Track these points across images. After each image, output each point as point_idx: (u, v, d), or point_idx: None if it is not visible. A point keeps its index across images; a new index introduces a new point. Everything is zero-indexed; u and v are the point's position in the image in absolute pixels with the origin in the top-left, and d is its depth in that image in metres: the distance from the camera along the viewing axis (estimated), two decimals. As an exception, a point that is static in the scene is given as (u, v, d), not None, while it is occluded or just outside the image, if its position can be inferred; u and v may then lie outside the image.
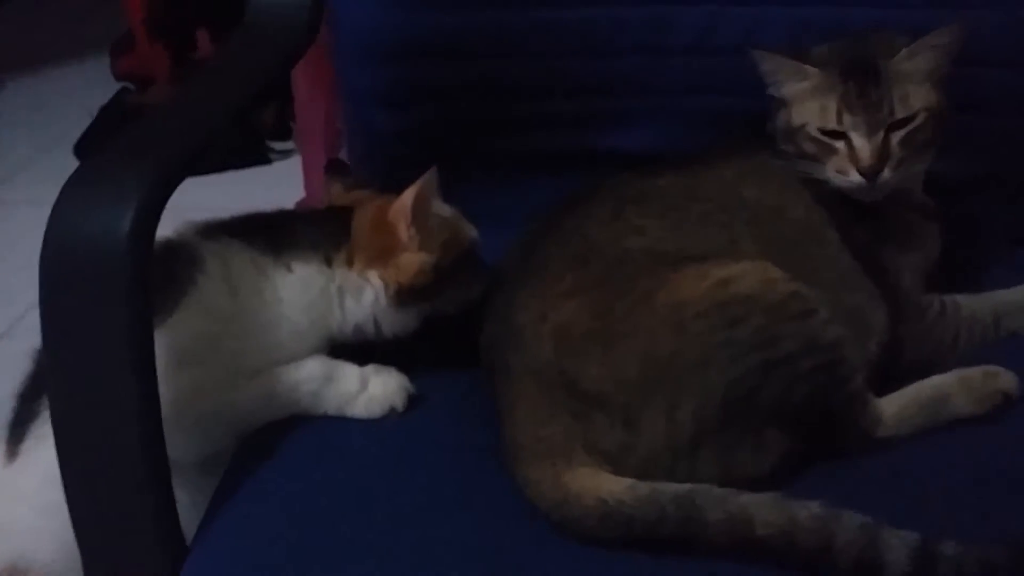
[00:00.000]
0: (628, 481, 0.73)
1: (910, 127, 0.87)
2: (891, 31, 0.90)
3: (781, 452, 0.77)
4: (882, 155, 0.86)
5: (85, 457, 0.72)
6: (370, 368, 0.85)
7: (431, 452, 0.82)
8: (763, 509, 0.70)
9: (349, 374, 0.85)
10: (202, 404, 0.81)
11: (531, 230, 0.89)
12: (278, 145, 2.16)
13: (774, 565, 0.69)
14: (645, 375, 0.75)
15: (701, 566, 0.70)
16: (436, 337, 0.89)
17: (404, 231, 0.85)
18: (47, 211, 0.70)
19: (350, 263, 0.86)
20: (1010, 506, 0.74)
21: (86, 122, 2.26)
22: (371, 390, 0.84)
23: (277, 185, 1.89)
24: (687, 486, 0.72)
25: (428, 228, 0.86)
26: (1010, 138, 1.01)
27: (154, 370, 0.71)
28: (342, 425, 0.84)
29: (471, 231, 0.90)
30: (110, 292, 0.69)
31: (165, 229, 0.85)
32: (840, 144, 0.88)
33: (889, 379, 0.84)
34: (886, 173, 0.87)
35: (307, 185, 1.75)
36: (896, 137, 0.87)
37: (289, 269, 0.86)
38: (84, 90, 2.40)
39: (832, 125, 0.88)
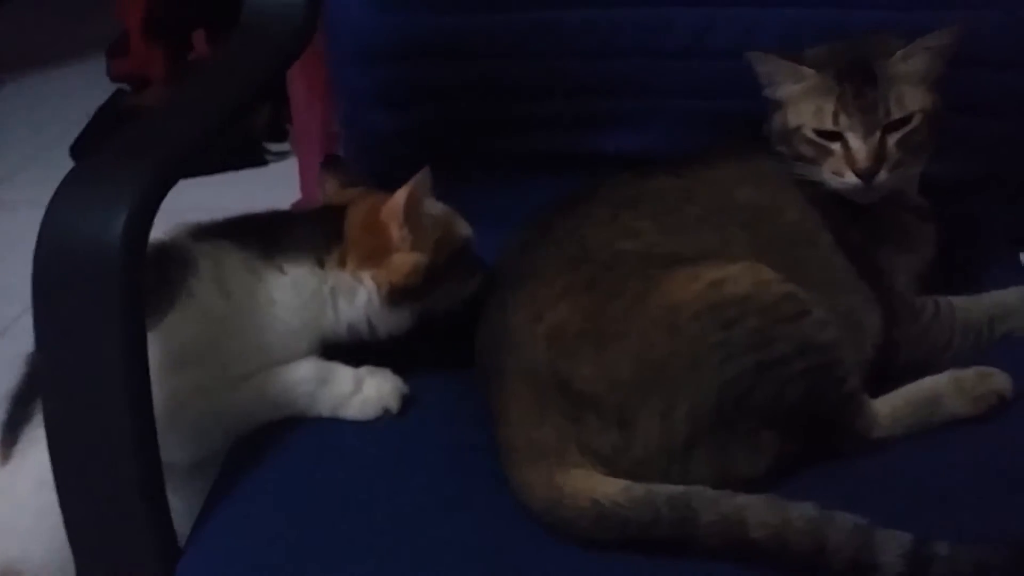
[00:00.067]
0: (622, 482, 0.73)
1: (906, 129, 0.87)
2: (887, 33, 0.90)
3: (776, 453, 0.77)
4: (878, 156, 0.86)
5: (78, 459, 0.72)
6: (364, 369, 0.85)
7: (426, 453, 0.82)
8: (757, 511, 0.70)
9: (343, 375, 0.85)
10: (196, 406, 0.81)
11: (526, 232, 0.88)
12: (274, 146, 2.17)
13: (768, 567, 0.69)
14: (639, 376, 0.75)
15: (697, 567, 0.70)
16: (431, 338, 0.89)
17: (396, 231, 0.85)
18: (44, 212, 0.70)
19: (343, 264, 0.86)
20: (1004, 506, 0.74)
21: (83, 123, 2.26)
22: (365, 391, 0.84)
23: (273, 186, 1.89)
24: (681, 488, 0.72)
25: (421, 228, 0.86)
26: (1007, 139, 1.01)
27: (147, 372, 0.71)
28: (336, 427, 0.84)
29: (465, 229, 0.90)
30: (103, 294, 0.69)
31: (163, 231, 0.85)
32: (836, 146, 0.88)
33: (884, 380, 0.84)
34: (882, 175, 0.87)
35: (303, 186, 1.75)
36: (892, 139, 0.87)
37: (282, 270, 0.85)
38: (81, 91, 2.40)
39: (828, 126, 0.88)
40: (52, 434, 0.71)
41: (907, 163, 0.88)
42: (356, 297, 0.86)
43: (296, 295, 0.85)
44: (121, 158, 0.77)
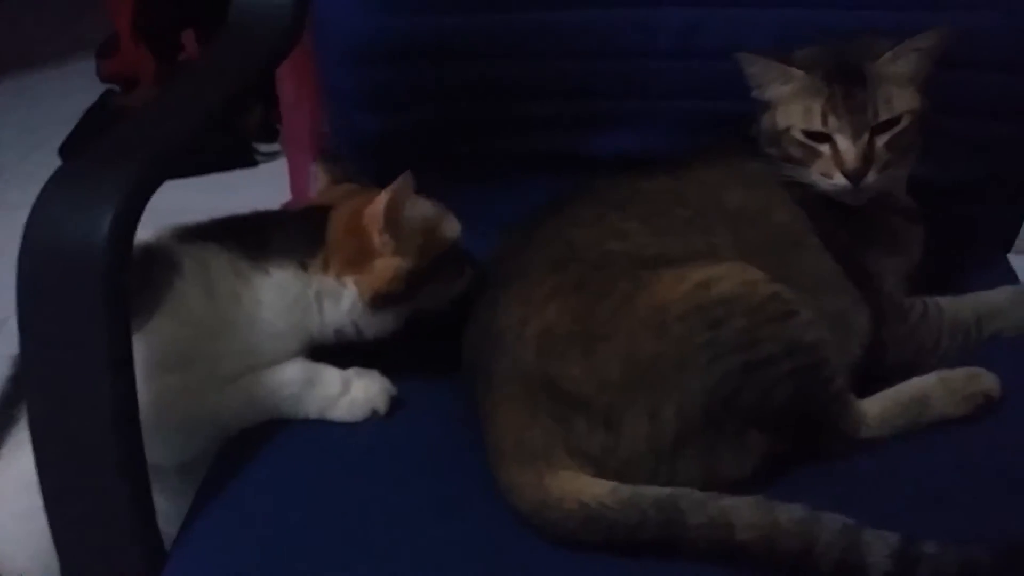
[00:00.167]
0: (610, 484, 0.73)
1: (895, 130, 0.87)
2: (874, 34, 0.90)
3: (764, 453, 0.77)
4: (867, 158, 0.87)
5: (63, 463, 0.72)
6: (352, 371, 0.85)
7: (414, 455, 0.82)
8: (744, 512, 0.70)
9: (330, 377, 0.84)
10: (182, 409, 0.80)
11: (514, 234, 0.88)
12: (264, 147, 2.16)
13: (756, 568, 0.69)
14: (627, 377, 0.75)
15: (686, 569, 0.70)
16: (419, 340, 0.89)
17: (377, 237, 0.84)
18: (34, 214, 0.70)
19: (326, 268, 0.86)
20: (992, 506, 0.75)
21: (72, 123, 2.25)
22: (353, 393, 0.84)
23: (263, 187, 1.89)
24: (668, 489, 0.72)
25: (403, 233, 0.85)
26: (994, 142, 1.01)
27: (133, 375, 0.71)
28: (324, 429, 0.84)
29: (451, 230, 0.89)
30: (88, 296, 0.68)
31: (153, 232, 0.85)
32: (825, 147, 0.88)
33: (872, 381, 0.84)
34: (871, 176, 0.87)
35: (293, 187, 1.75)
36: (881, 140, 0.87)
37: (267, 273, 0.85)
38: (70, 92, 2.40)
39: (817, 127, 0.88)
40: (37, 437, 0.71)
41: (895, 164, 0.89)
42: (341, 301, 0.86)
43: (281, 297, 0.85)
44: (107, 159, 0.77)
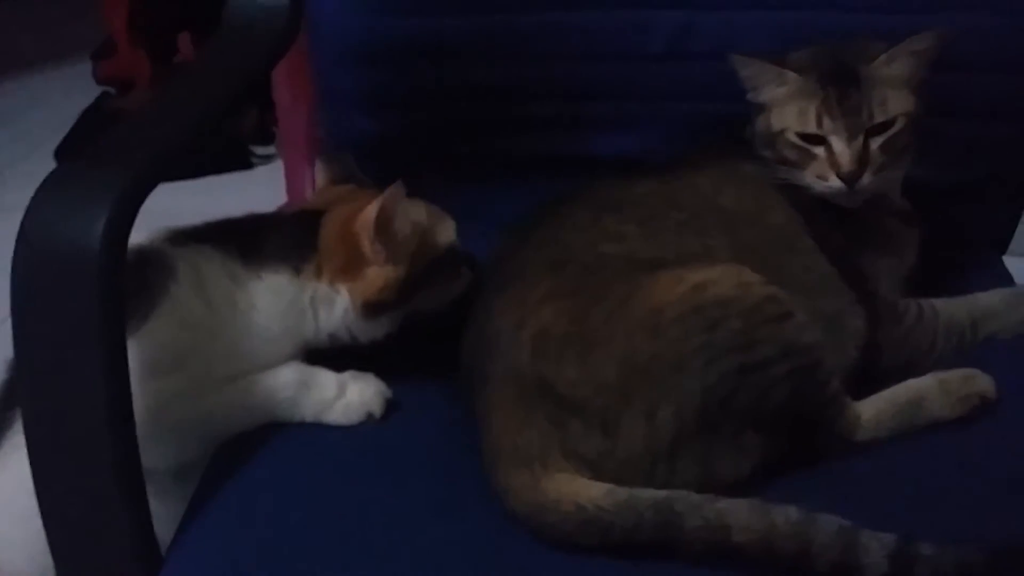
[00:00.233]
0: (606, 487, 0.73)
1: (889, 132, 0.88)
2: (868, 37, 0.90)
3: (760, 455, 0.77)
4: (862, 160, 0.87)
5: (58, 466, 0.71)
6: (347, 374, 0.85)
7: (410, 458, 0.82)
8: (741, 514, 0.70)
9: (326, 380, 0.84)
10: (177, 412, 0.80)
11: (509, 236, 0.88)
12: (260, 150, 2.16)
13: (753, 570, 0.69)
14: (623, 380, 0.75)
15: (683, 572, 0.70)
16: (415, 342, 0.89)
17: (368, 246, 0.84)
18: (29, 217, 0.70)
19: (319, 274, 0.85)
20: (988, 507, 0.75)
21: (68, 126, 2.25)
22: (348, 396, 0.84)
23: (259, 190, 1.89)
24: (665, 492, 0.72)
25: (394, 242, 0.84)
26: (993, 144, 1.02)
27: (127, 378, 0.71)
28: (320, 432, 0.84)
29: (446, 234, 0.88)
30: (83, 299, 0.68)
31: (148, 234, 0.85)
32: (820, 149, 0.88)
33: (868, 382, 0.84)
34: (866, 178, 0.87)
35: (290, 189, 1.74)
36: (876, 142, 0.87)
37: (260, 277, 0.85)
38: (66, 94, 2.39)
39: (812, 129, 0.88)
40: (32, 440, 0.71)
41: (890, 166, 0.89)
42: (334, 307, 0.85)
43: (276, 302, 0.85)
44: (101, 161, 0.76)
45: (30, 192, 0.71)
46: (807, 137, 0.88)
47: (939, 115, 0.90)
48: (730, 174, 0.91)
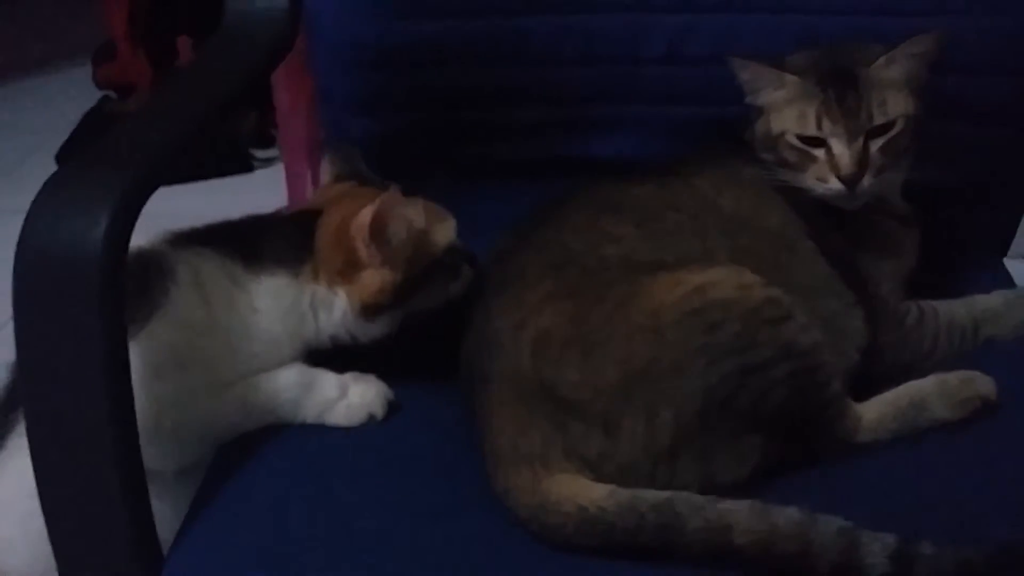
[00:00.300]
0: (607, 488, 0.73)
1: (889, 134, 0.88)
2: (866, 40, 0.91)
3: (760, 457, 0.77)
4: (862, 162, 0.87)
5: (60, 468, 0.71)
6: (349, 376, 0.85)
7: (412, 459, 0.82)
8: (742, 516, 0.70)
9: (328, 382, 0.84)
10: (179, 414, 0.80)
11: (508, 238, 0.88)
12: (260, 153, 2.16)
13: (754, 571, 0.69)
14: (623, 381, 0.75)
15: (684, 573, 0.70)
16: (417, 343, 0.89)
17: (363, 250, 0.84)
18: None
19: (316, 277, 0.85)
20: (988, 508, 0.75)
21: (69, 130, 2.25)
22: (350, 398, 0.84)
23: (260, 193, 1.89)
24: (666, 493, 0.72)
25: (390, 246, 0.84)
26: (994, 146, 1.02)
27: (129, 380, 0.71)
28: (322, 433, 0.84)
29: (445, 235, 0.88)
30: (84, 302, 0.68)
31: (149, 237, 0.85)
32: (820, 152, 0.88)
33: (868, 384, 0.84)
34: (866, 180, 0.87)
35: (290, 192, 1.75)
36: (875, 144, 0.87)
37: (260, 280, 0.85)
38: (67, 98, 2.40)
39: (812, 131, 0.88)
40: (34, 442, 0.71)
41: (890, 168, 0.89)
42: (333, 309, 0.85)
43: (276, 304, 0.85)
44: (101, 164, 0.77)
45: (30, 195, 0.71)
46: (807, 139, 0.88)
47: (939, 117, 0.90)
48: (730, 176, 0.91)
